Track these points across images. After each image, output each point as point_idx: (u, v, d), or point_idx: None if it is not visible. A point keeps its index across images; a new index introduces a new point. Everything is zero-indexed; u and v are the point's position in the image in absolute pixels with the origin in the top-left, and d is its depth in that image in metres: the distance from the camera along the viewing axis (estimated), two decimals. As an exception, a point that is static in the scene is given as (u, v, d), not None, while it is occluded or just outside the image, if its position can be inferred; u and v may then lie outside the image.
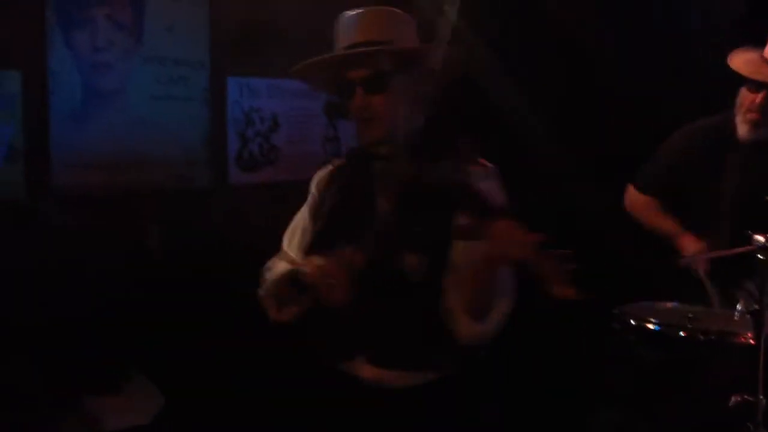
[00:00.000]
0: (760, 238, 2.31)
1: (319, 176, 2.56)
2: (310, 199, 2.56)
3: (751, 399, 2.42)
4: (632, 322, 2.76)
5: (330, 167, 2.54)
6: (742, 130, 3.23)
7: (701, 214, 3.25)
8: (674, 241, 3.29)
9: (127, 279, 3.84)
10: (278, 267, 2.44)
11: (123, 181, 4.03)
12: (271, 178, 4.62)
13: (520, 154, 4.45)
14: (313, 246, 2.38)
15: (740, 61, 3.21)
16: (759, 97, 3.16)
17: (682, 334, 2.64)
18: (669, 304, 2.95)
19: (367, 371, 2.32)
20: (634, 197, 3.56)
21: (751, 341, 2.48)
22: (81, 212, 3.85)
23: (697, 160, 3.32)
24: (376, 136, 2.31)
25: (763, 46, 3.23)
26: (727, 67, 3.31)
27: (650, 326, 2.73)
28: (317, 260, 2.20)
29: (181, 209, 4.19)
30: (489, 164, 2.30)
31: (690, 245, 3.17)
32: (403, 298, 2.22)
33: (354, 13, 2.36)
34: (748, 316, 2.42)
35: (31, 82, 3.72)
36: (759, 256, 2.33)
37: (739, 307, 2.63)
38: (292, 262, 2.41)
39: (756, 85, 3.17)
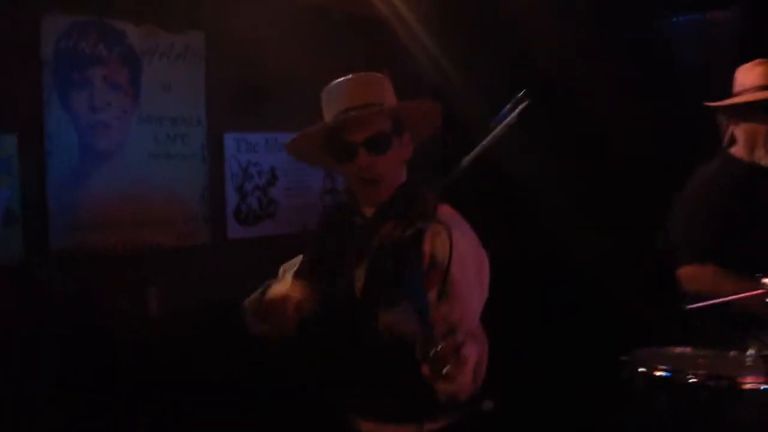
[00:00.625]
0: (769, 282, 2.28)
1: (326, 214, 2.72)
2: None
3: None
4: (641, 369, 2.70)
5: (326, 210, 2.70)
6: (766, 159, 3.18)
7: (755, 253, 3.03)
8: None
9: (128, 340, 3.79)
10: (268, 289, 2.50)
11: (122, 241, 4.02)
12: (271, 231, 4.61)
13: (523, 199, 4.46)
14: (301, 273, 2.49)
15: (744, 96, 3.19)
16: None
17: (692, 380, 2.58)
18: (678, 350, 2.88)
19: (365, 426, 2.37)
20: (693, 274, 3.18)
21: (764, 386, 2.43)
22: (80, 274, 3.83)
23: (735, 203, 3.18)
24: (381, 198, 2.33)
25: None
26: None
27: (659, 373, 2.67)
28: (278, 289, 2.32)
29: (180, 267, 4.17)
30: (449, 210, 2.31)
31: None
32: (382, 355, 2.23)
33: (343, 80, 2.39)
34: (760, 360, 2.37)
35: (27, 144, 3.72)
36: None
37: (750, 351, 2.58)
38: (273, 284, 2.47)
39: None
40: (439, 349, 1.82)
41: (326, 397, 2.45)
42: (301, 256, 2.61)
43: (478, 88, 4.58)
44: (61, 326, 3.63)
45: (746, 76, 3.22)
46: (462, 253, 2.17)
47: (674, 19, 4.70)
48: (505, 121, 2.02)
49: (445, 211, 2.29)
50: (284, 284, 2.43)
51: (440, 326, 1.87)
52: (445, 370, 1.85)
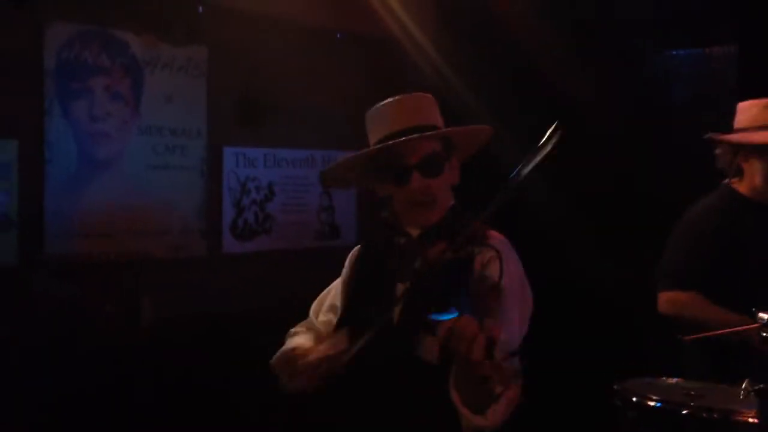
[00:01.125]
0: (765, 316, 2.28)
1: (353, 254, 2.53)
2: (343, 275, 2.52)
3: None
4: (633, 398, 2.69)
5: (361, 245, 2.52)
6: None
7: (742, 288, 3.04)
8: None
9: (120, 349, 3.79)
10: (294, 338, 2.46)
11: (117, 250, 4.01)
12: (266, 246, 4.61)
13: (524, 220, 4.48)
14: (340, 322, 2.38)
15: (763, 135, 3.18)
16: None
17: (684, 411, 2.58)
18: (671, 380, 2.88)
19: None
20: (673, 299, 3.21)
21: (755, 420, 2.43)
22: (74, 281, 3.82)
23: (731, 239, 3.19)
24: (431, 221, 2.28)
25: None
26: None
27: (651, 403, 2.66)
28: (314, 349, 2.25)
29: (174, 279, 4.15)
30: (499, 236, 2.27)
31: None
32: (417, 381, 2.17)
33: (391, 100, 2.34)
34: (753, 394, 2.36)
35: (27, 151, 3.73)
36: (763, 333, 2.29)
37: (744, 385, 2.58)
38: (306, 335, 2.45)
39: None
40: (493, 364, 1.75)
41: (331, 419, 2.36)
42: (331, 291, 2.53)
43: (483, 105, 4.62)
44: (54, 332, 3.62)
45: (762, 112, 3.23)
46: (512, 279, 2.15)
47: (673, 53, 4.73)
48: (544, 152, 1.96)
49: (496, 236, 2.26)
50: (308, 336, 2.42)
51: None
52: (497, 389, 1.79)
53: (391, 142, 2.24)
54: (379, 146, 2.28)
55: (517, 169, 1.97)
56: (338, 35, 4.82)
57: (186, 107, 4.27)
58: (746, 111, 3.32)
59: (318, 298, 2.55)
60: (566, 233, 4.52)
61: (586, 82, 4.54)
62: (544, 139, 1.96)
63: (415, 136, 2.21)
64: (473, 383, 1.88)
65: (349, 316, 2.37)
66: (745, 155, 3.26)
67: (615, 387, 2.77)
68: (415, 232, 2.30)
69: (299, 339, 2.43)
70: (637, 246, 4.03)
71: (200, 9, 4.23)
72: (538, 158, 1.96)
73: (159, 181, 4.18)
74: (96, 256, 3.93)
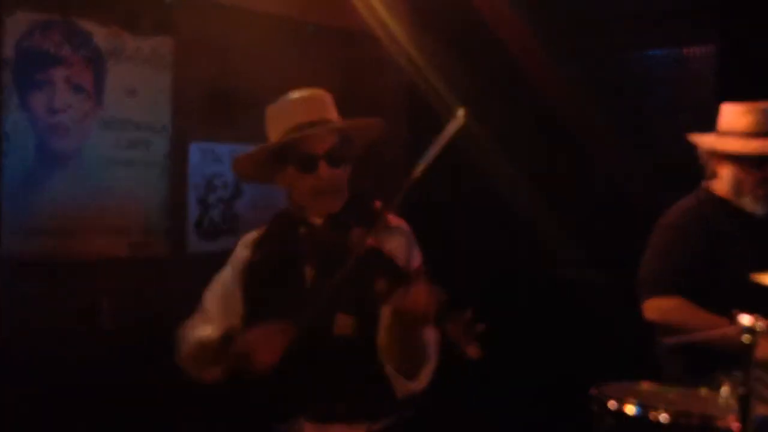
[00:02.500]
0: (745, 319, 2.22)
1: (246, 240, 2.72)
2: (235, 262, 2.72)
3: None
4: (611, 403, 2.63)
5: (256, 232, 2.70)
6: (753, 206, 3.23)
7: (723, 290, 3.05)
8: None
9: (78, 351, 3.67)
10: (201, 330, 2.59)
11: (76, 248, 3.87)
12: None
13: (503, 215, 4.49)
14: (245, 312, 2.57)
15: (732, 143, 3.20)
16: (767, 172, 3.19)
17: (663, 417, 2.52)
18: (650, 385, 2.84)
19: (308, 429, 2.44)
20: (660, 306, 3.19)
21: (735, 425, 2.37)
22: (30, 280, 3.68)
23: (710, 239, 3.21)
24: (335, 208, 2.47)
25: None
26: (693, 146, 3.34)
27: (629, 408, 2.60)
28: (249, 330, 2.35)
29: (136, 279, 4.03)
30: (400, 221, 2.51)
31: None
32: (336, 356, 2.38)
33: (296, 96, 2.56)
34: (733, 400, 2.31)
35: (-17, 145, 3.57)
36: (743, 338, 2.23)
37: (724, 390, 2.55)
38: (218, 325, 2.55)
39: (757, 162, 3.18)
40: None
41: (269, 399, 2.50)
42: (224, 280, 2.73)
43: (458, 99, 4.58)
44: (8, 332, 3.51)
45: (738, 119, 3.26)
46: (417, 260, 2.43)
47: (651, 53, 4.71)
48: (445, 135, 2.16)
49: (396, 222, 2.49)
50: (211, 327, 2.55)
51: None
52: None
53: (308, 132, 2.43)
54: (293, 136, 2.45)
55: (421, 159, 2.15)
56: (309, 27, 4.72)
57: (150, 100, 4.13)
58: (725, 114, 3.35)
59: (211, 289, 2.76)
60: (545, 234, 4.52)
61: (564, 82, 4.54)
62: (445, 128, 2.16)
63: (328, 126, 2.44)
64: (412, 349, 2.21)
65: (255, 299, 2.56)
66: (718, 159, 3.29)
67: (592, 392, 2.71)
68: (318, 221, 2.48)
69: (205, 332, 2.56)
70: (617, 248, 4.03)
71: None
72: (440, 147, 2.17)
73: (121, 177, 4.03)
74: (54, 255, 3.78)
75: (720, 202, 3.31)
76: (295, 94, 2.58)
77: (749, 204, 3.24)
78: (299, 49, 4.63)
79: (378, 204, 2.44)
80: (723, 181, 3.28)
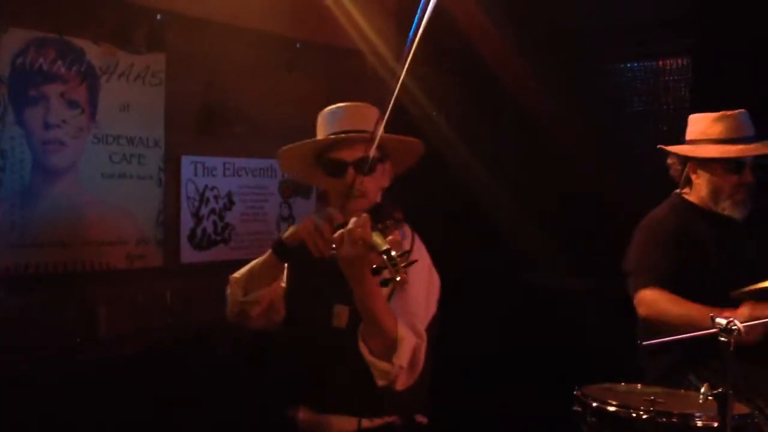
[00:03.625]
0: (722, 321, 2.32)
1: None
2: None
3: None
4: (593, 404, 2.71)
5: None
6: (732, 211, 3.28)
7: (704, 295, 3.05)
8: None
9: (73, 361, 3.71)
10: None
11: (72, 260, 3.94)
12: (225, 256, 4.57)
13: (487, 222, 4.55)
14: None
15: (709, 149, 3.27)
16: (745, 177, 3.25)
17: (644, 416, 2.60)
18: (630, 386, 2.92)
19: (306, 416, 2.62)
20: (651, 298, 3.18)
21: (714, 424, 2.46)
22: (27, 292, 3.75)
23: (688, 242, 3.26)
24: (360, 210, 2.50)
25: None
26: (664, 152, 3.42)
27: (611, 408, 2.68)
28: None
29: (131, 290, 4.10)
30: (414, 232, 2.65)
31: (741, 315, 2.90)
32: (333, 348, 2.51)
33: (343, 105, 2.68)
34: (712, 398, 2.39)
35: (-21, 160, 3.64)
36: (721, 338, 2.33)
37: (703, 389, 2.61)
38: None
39: (735, 167, 3.25)
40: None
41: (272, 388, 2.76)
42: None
43: (444, 116, 4.69)
44: (7, 344, 3.54)
45: (712, 126, 3.31)
46: (419, 263, 2.44)
47: (627, 65, 4.81)
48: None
49: (409, 229, 2.64)
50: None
51: None
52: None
53: (332, 137, 2.60)
54: (324, 137, 2.63)
55: None
56: (298, 45, 4.80)
57: (144, 116, 4.21)
58: (696, 123, 3.40)
59: None
60: (524, 240, 4.58)
61: (544, 94, 4.61)
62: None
63: (354, 134, 2.56)
64: (370, 317, 2.32)
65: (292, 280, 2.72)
66: (693, 167, 3.35)
67: (575, 392, 2.79)
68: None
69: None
70: (596, 253, 4.09)
71: (159, 17, 4.19)
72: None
73: (115, 190, 4.11)
74: (50, 267, 3.86)
75: (695, 209, 3.37)
76: (346, 104, 2.71)
77: (728, 209, 3.28)
78: (288, 66, 4.72)
79: (397, 211, 2.54)
80: (700, 188, 3.33)
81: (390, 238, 2.19)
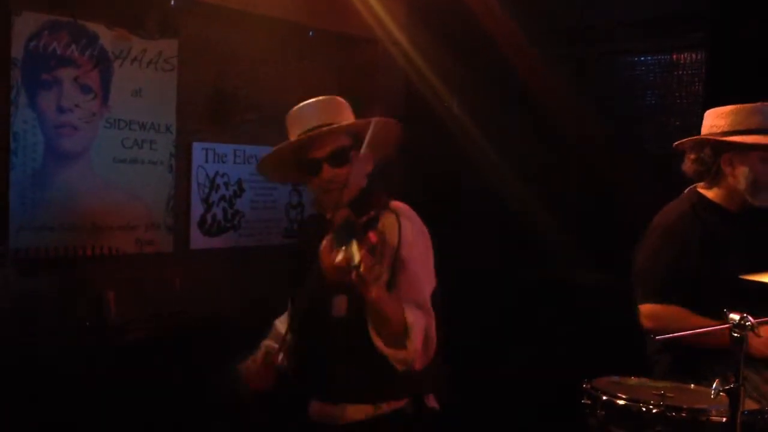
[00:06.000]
0: (735, 316, 2.31)
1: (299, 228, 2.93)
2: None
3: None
4: (603, 397, 2.71)
5: (302, 223, 2.96)
6: (765, 200, 3.23)
7: (719, 295, 2.99)
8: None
9: (83, 344, 3.74)
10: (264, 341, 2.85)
11: (82, 244, 3.95)
12: (234, 243, 4.58)
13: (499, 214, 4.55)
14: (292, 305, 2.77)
15: (759, 138, 3.19)
16: None
17: (654, 411, 2.60)
18: (638, 380, 2.91)
19: (315, 408, 2.62)
20: (654, 313, 3.19)
21: (724, 419, 2.46)
22: (38, 275, 3.76)
23: (702, 243, 3.21)
24: (342, 201, 2.56)
25: None
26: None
27: (620, 402, 2.68)
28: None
29: (140, 274, 4.10)
30: (400, 204, 2.63)
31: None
32: (336, 337, 2.54)
33: (304, 103, 2.68)
34: (723, 394, 2.39)
35: (-8, 142, 3.64)
36: (734, 333, 2.32)
37: (714, 384, 2.60)
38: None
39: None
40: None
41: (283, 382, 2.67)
42: None
43: (456, 103, 4.68)
44: (17, 326, 3.57)
45: (749, 117, 3.26)
46: (410, 237, 2.53)
47: (641, 58, 4.79)
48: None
49: (397, 204, 2.61)
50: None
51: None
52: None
53: (298, 138, 2.61)
54: (289, 142, 2.65)
55: None
56: (311, 32, 4.79)
57: (156, 101, 4.22)
58: (725, 116, 3.31)
59: None
60: (536, 233, 4.58)
61: (557, 85, 4.59)
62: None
63: (316, 131, 2.57)
64: (376, 313, 2.31)
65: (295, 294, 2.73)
66: (729, 159, 3.30)
67: (584, 385, 2.79)
68: (330, 214, 2.60)
69: (266, 341, 2.82)
70: (607, 247, 4.08)
71: (172, 2, 4.19)
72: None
73: (126, 175, 4.13)
74: (60, 250, 3.87)
75: (712, 206, 3.35)
76: (310, 100, 2.70)
77: (765, 199, 3.23)
78: (300, 52, 4.72)
79: (383, 195, 2.60)
80: (736, 180, 3.24)
81: (363, 250, 2.17)
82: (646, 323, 3.20)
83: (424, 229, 2.65)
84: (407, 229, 2.56)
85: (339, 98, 2.73)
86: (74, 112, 3.93)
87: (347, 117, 2.71)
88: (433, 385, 2.72)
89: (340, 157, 2.60)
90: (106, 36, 4.02)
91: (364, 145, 2.54)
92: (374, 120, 2.65)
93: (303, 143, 2.61)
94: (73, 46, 3.92)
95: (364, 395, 2.55)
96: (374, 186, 2.67)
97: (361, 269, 2.11)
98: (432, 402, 2.74)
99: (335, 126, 2.60)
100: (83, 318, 3.85)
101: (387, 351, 2.39)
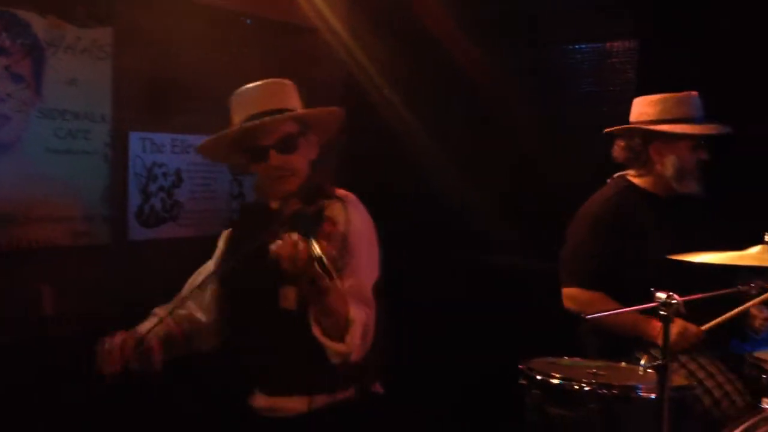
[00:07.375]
0: (661, 295, 2.39)
1: (224, 234, 2.91)
2: (215, 255, 2.91)
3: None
4: (538, 377, 2.78)
5: (230, 226, 2.91)
6: (694, 188, 3.35)
7: (644, 281, 2.88)
8: (642, 327, 3.16)
9: (17, 339, 3.67)
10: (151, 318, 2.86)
11: (16, 237, 3.86)
12: (173, 234, 4.53)
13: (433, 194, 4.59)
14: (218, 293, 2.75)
15: (685, 128, 3.31)
16: (703, 155, 3.34)
17: (585, 388, 2.68)
18: (571, 360, 3.00)
19: (260, 401, 2.62)
20: (576, 296, 3.33)
21: (653, 395, 2.53)
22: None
23: (629, 230, 3.32)
24: (290, 190, 2.60)
25: None
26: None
27: (554, 381, 2.76)
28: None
29: (77, 267, 4.04)
30: (346, 193, 2.65)
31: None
32: (282, 329, 2.50)
33: (252, 86, 2.66)
34: (651, 370, 2.47)
35: None
36: (660, 312, 2.40)
37: (642, 361, 2.68)
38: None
39: (698, 144, 3.34)
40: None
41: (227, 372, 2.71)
42: (201, 273, 2.87)
43: (395, 92, 4.71)
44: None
45: (676, 106, 3.37)
46: (359, 226, 2.56)
47: (574, 47, 4.86)
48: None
49: (343, 193, 2.65)
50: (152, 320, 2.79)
51: None
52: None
53: (247, 125, 2.57)
54: (236, 128, 2.61)
55: None
56: (249, 20, 4.76)
57: (90, 90, 4.13)
58: (653, 105, 3.41)
59: (192, 278, 2.90)
60: (471, 220, 4.64)
61: (495, 75, 4.65)
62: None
63: (266, 119, 2.55)
64: (320, 305, 2.27)
65: (229, 290, 2.71)
66: (658, 147, 3.38)
67: (520, 366, 2.86)
68: (276, 204, 2.64)
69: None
70: (542, 231, 4.15)
71: (107, -11, 4.13)
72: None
73: (61, 165, 4.04)
74: (-5, 243, 3.79)
75: (640, 192, 3.43)
76: (257, 83, 2.68)
77: (691, 187, 3.35)
78: (238, 41, 4.69)
79: (328, 184, 2.62)
80: (664, 167, 3.36)
81: (321, 243, 2.17)
82: (567, 304, 3.36)
83: (369, 218, 2.67)
84: (355, 217, 2.58)
85: (286, 81, 2.72)
86: (6, 102, 3.84)
87: (294, 101, 2.70)
88: (375, 374, 2.75)
89: (287, 144, 2.59)
90: (38, 24, 3.93)
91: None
92: (327, 110, 2.71)
93: (251, 129, 2.58)
94: (4, 35, 3.82)
95: (307, 387, 2.54)
96: (319, 174, 2.69)
97: (325, 261, 2.09)
98: (377, 387, 2.76)
99: (285, 115, 2.59)
100: (18, 312, 3.78)
101: (324, 341, 2.37)
